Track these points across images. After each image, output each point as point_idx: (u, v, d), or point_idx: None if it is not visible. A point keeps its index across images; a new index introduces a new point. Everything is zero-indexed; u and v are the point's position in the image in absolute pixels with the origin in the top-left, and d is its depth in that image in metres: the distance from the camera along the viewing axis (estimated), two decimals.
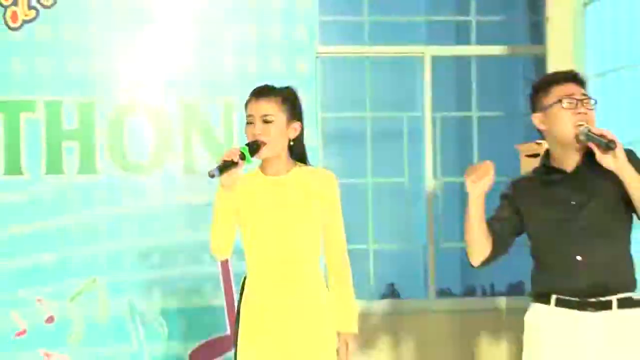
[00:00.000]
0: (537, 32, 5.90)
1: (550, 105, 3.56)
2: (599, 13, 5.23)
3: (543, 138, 5.03)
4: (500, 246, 3.53)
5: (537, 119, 3.60)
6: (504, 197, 3.63)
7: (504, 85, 6.15)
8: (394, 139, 5.86)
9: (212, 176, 3.42)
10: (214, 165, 3.44)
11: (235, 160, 3.32)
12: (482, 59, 6.06)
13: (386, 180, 5.79)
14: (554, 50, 5.46)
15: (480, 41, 5.88)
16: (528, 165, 4.88)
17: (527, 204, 3.47)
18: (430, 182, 5.55)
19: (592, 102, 3.52)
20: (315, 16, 5.21)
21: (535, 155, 4.90)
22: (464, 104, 5.81)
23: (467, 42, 6.04)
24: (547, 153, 3.66)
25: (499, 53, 5.87)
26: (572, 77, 3.76)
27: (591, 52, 5.21)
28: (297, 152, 3.50)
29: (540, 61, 5.67)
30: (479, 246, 3.55)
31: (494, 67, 6.13)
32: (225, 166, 3.29)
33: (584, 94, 3.53)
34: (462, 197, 6.34)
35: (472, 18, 5.80)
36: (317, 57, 5.34)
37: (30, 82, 4.72)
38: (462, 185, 5.64)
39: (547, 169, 3.48)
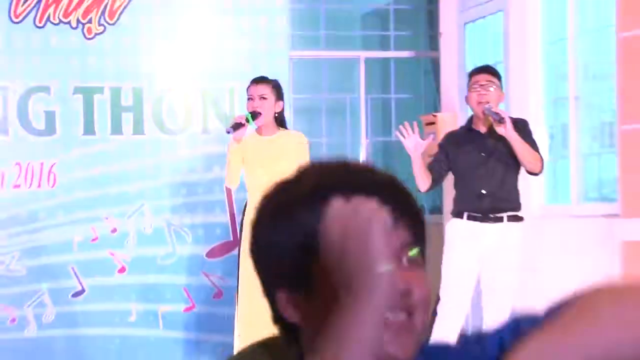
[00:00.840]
0: (434, 42, 5.86)
1: (467, 89, 3.72)
2: (474, 29, 5.30)
3: (438, 112, 5.24)
4: (437, 179, 3.74)
5: (465, 98, 3.75)
6: (439, 145, 3.86)
7: (412, 77, 6.25)
8: (341, 112, 5.98)
9: (228, 132, 3.75)
10: (229, 125, 3.80)
11: (243, 122, 3.68)
12: (398, 60, 6.01)
13: (335, 140, 5.88)
14: (445, 54, 5.56)
15: (397, 48, 5.91)
16: (428, 130, 4.97)
17: (453, 151, 3.72)
18: (364, 141, 5.76)
19: (493, 86, 3.67)
20: (288, 31, 5.09)
21: (431, 124, 5.02)
22: (386, 89, 5.96)
23: (388, 48, 5.95)
24: (472, 118, 3.76)
25: (409, 56, 5.99)
26: (483, 69, 3.83)
27: (469, 56, 5.21)
28: (281, 121, 3.85)
29: (436, 62, 5.74)
30: (423, 181, 3.69)
31: (406, 66, 6.19)
32: (237, 126, 3.67)
33: (489, 80, 3.67)
34: (385, 151, 6.36)
35: (391, 32, 5.84)
36: (290, 59, 5.28)
37: (100, 74, 4.55)
38: (384, 143, 6.11)
39: (469, 129, 3.76)
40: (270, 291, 0.72)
